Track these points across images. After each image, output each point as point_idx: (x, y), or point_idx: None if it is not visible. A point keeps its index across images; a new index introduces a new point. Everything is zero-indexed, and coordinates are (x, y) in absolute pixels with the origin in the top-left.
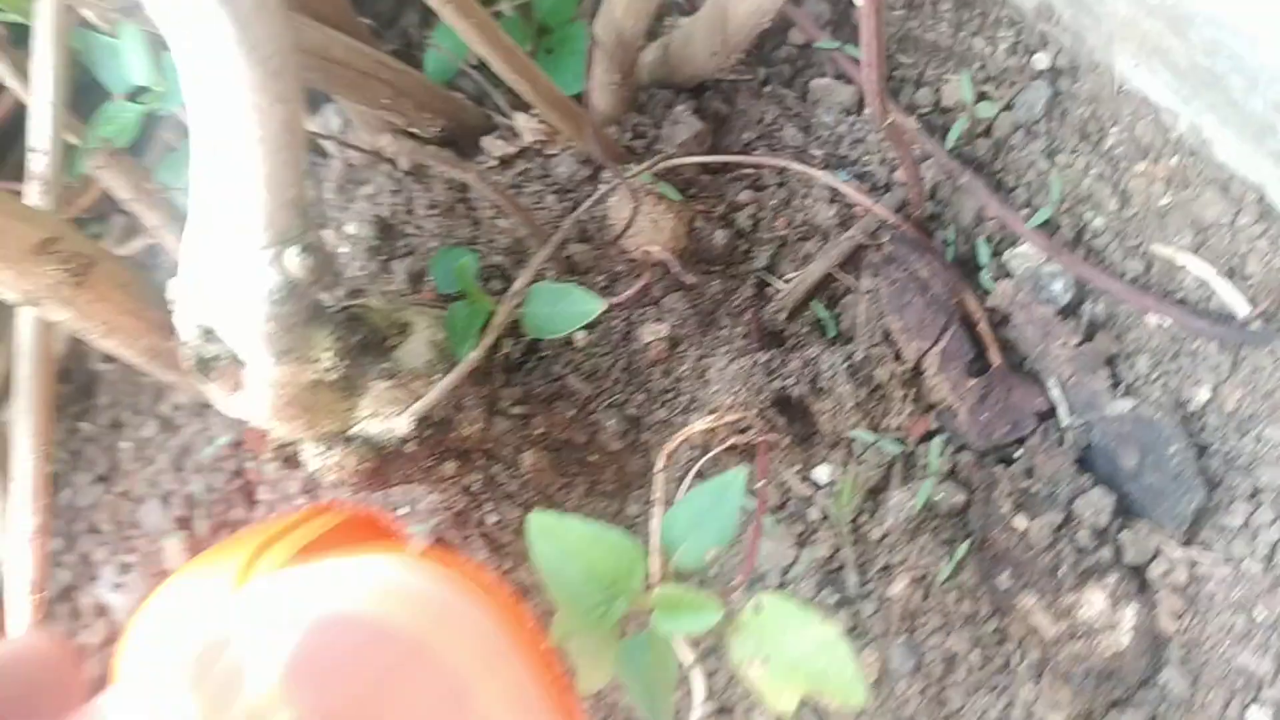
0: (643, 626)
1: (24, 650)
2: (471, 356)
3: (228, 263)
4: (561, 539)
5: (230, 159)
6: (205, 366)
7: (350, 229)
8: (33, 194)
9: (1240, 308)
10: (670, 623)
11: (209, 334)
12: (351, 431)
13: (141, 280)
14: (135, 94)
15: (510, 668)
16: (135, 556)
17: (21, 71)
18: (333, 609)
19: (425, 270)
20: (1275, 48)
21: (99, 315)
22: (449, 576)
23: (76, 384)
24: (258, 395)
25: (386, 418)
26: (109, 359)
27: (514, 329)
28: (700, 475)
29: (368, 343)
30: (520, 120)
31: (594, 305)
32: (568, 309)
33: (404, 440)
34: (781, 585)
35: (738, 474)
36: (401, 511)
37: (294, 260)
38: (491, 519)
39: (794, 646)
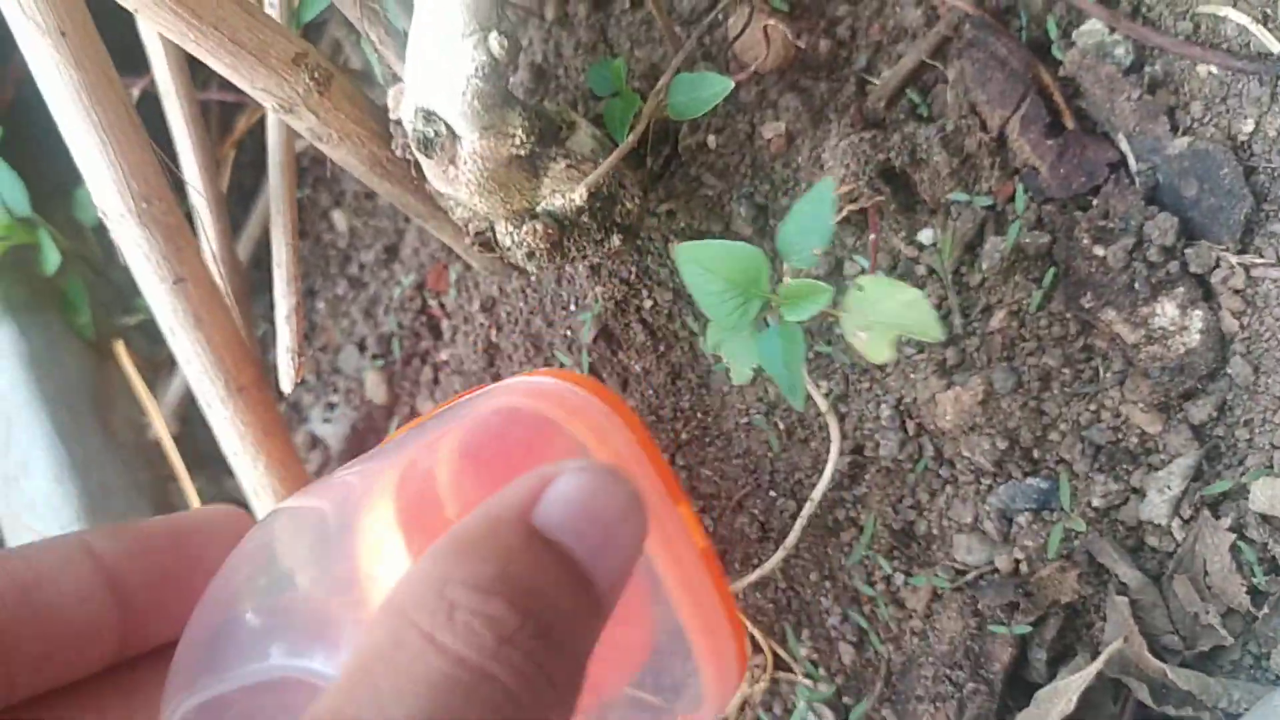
0: (778, 319)
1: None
2: (628, 139)
3: (443, 50)
4: (702, 257)
5: None
6: (428, 145)
7: (510, 78)
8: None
9: (1275, 47)
10: (794, 311)
11: (429, 116)
12: (538, 208)
13: (364, 97)
14: None
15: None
16: (338, 395)
17: None
18: (497, 404)
19: (575, 102)
20: None
21: (334, 123)
22: (587, 385)
23: (269, 265)
24: (467, 168)
25: (564, 193)
26: (299, 236)
27: (653, 146)
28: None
29: (545, 131)
30: None
31: (725, 84)
32: (704, 91)
33: (579, 211)
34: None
35: (826, 182)
36: (571, 308)
37: (494, 42)
38: (648, 304)
39: (888, 309)
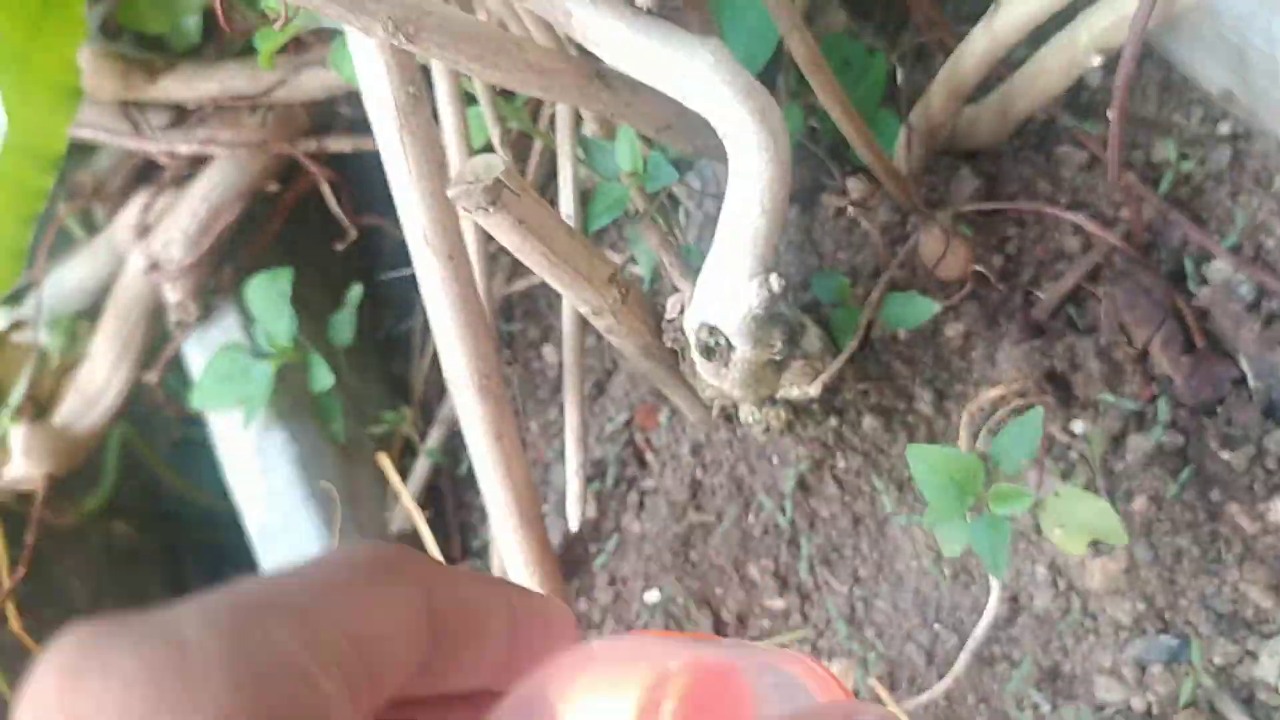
0: (981, 512)
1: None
2: (851, 344)
3: (732, 285)
4: (929, 459)
5: (748, 217)
6: (709, 351)
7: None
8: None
9: None
10: (1002, 507)
11: (713, 330)
12: (778, 395)
13: (648, 299)
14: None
15: None
16: (549, 506)
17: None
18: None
19: (789, 289)
20: None
21: (627, 322)
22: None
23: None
24: (736, 370)
25: (801, 386)
26: (510, 363)
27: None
28: (991, 430)
29: (791, 335)
30: (850, 182)
31: (932, 306)
32: (914, 309)
33: (811, 400)
34: None
35: (1038, 411)
36: (775, 461)
37: (773, 281)
38: (841, 465)
39: (1080, 514)
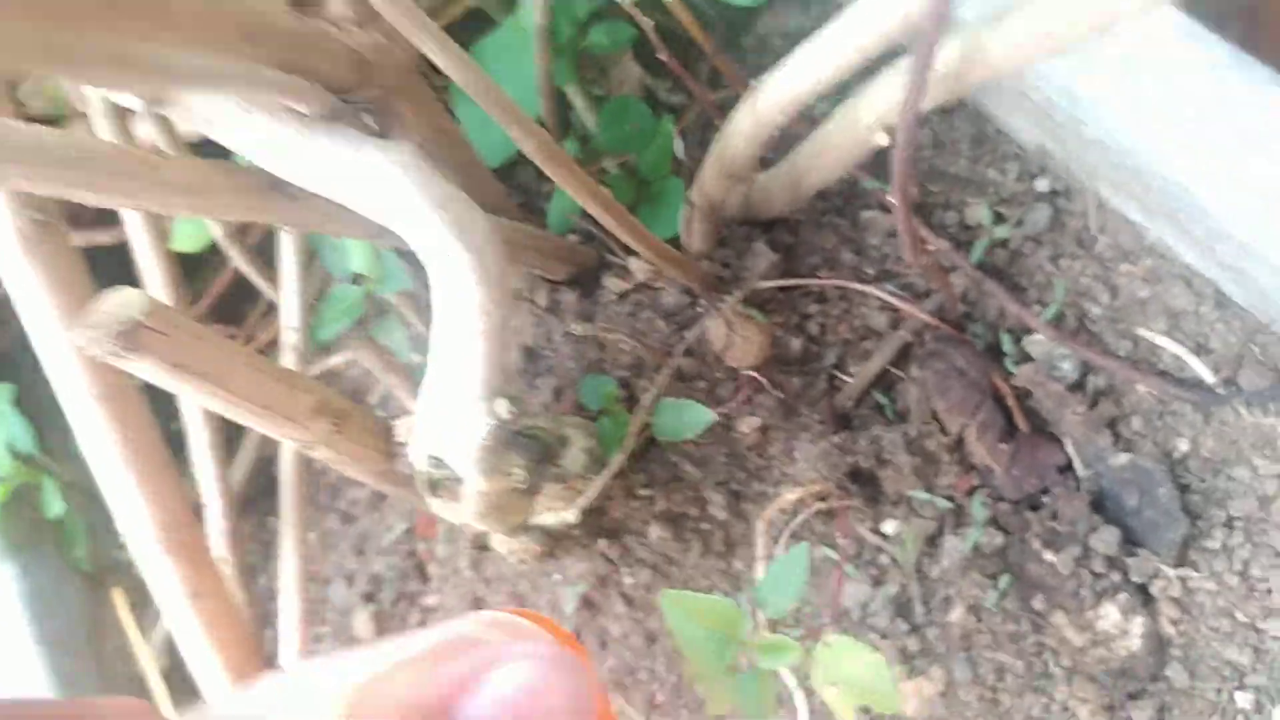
0: (751, 664)
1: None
2: (618, 459)
3: (455, 410)
4: (686, 607)
5: (461, 342)
6: (435, 486)
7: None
8: (288, 361)
9: (1207, 376)
10: (768, 661)
11: (438, 462)
12: (531, 522)
13: (374, 420)
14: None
15: None
16: (327, 628)
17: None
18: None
19: (563, 386)
20: (1214, 200)
21: (349, 452)
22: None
23: (264, 485)
24: (469, 503)
25: (557, 511)
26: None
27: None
28: (793, 535)
29: (541, 457)
30: (632, 262)
31: (707, 416)
32: (689, 419)
33: (570, 525)
34: (863, 618)
35: (803, 548)
36: (556, 578)
37: (501, 406)
38: (628, 580)
39: (852, 670)
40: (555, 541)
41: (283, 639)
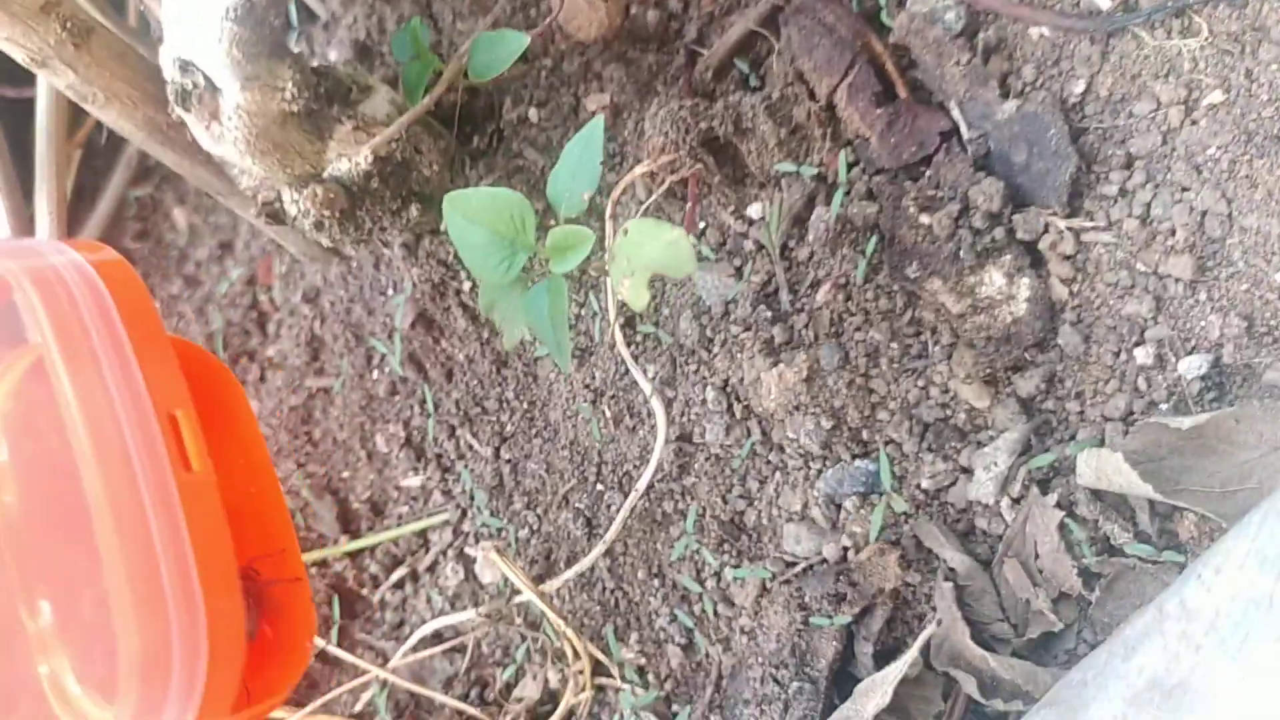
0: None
1: None
2: (423, 101)
3: None
4: (466, 207)
5: None
6: (185, 98)
7: (332, 55)
8: None
9: (1104, 3)
10: (560, 262)
11: (187, 67)
12: (324, 173)
13: (135, 54)
14: None
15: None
16: None
17: None
18: None
19: (398, 77)
20: None
21: (98, 81)
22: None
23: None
24: (233, 124)
25: (351, 157)
26: (141, 237)
27: (479, 123)
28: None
29: (333, 92)
30: None
31: (521, 40)
32: (501, 50)
33: (368, 176)
34: (726, 313)
35: (596, 122)
36: (390, 293)
37: None
38: (466, 286)
39: (650, 251)
40: (354, 199)
41: None
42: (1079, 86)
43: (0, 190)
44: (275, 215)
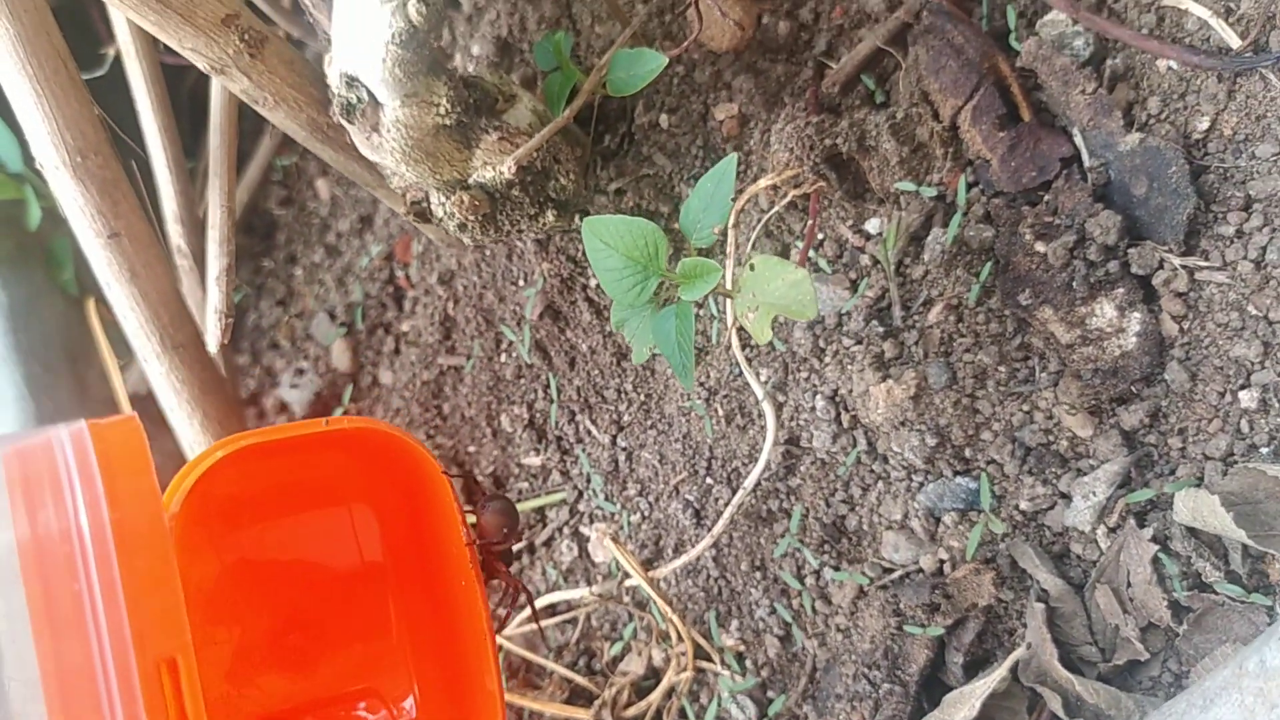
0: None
1: None
2: (564, 114)
3: (363, 17)
4: (603, 232)
5: None
6: (350, 110)
7: (475, 50)
8: None
9: (1234, 41)
10: (689, 290)
11: (352, 82)
12: (470, 180)
13: (301, 61)
14: None
15: None
16: (308, 362)
17: None
18: None
19: (537, 76)
20: None
21: (269, 86)
22: None
23: (258, 230)
24: (391, 136)
25: (496, 166)
26: (286, 203)
27: (611, 124)
28: (767, 232)
29: (480, 103)
30: None
31: (659, 60)
32: (640, 67)
33: (510, 184)
34: (839, 325)
35: (729, 160)
36: (521, 284)
37: (413, 9)
38: (593, 282)
39: (774, 289)
40: (495, 204)
41: (209, 295)
42: (1203, 124)
43: (170, 169)
44: (422, 214)
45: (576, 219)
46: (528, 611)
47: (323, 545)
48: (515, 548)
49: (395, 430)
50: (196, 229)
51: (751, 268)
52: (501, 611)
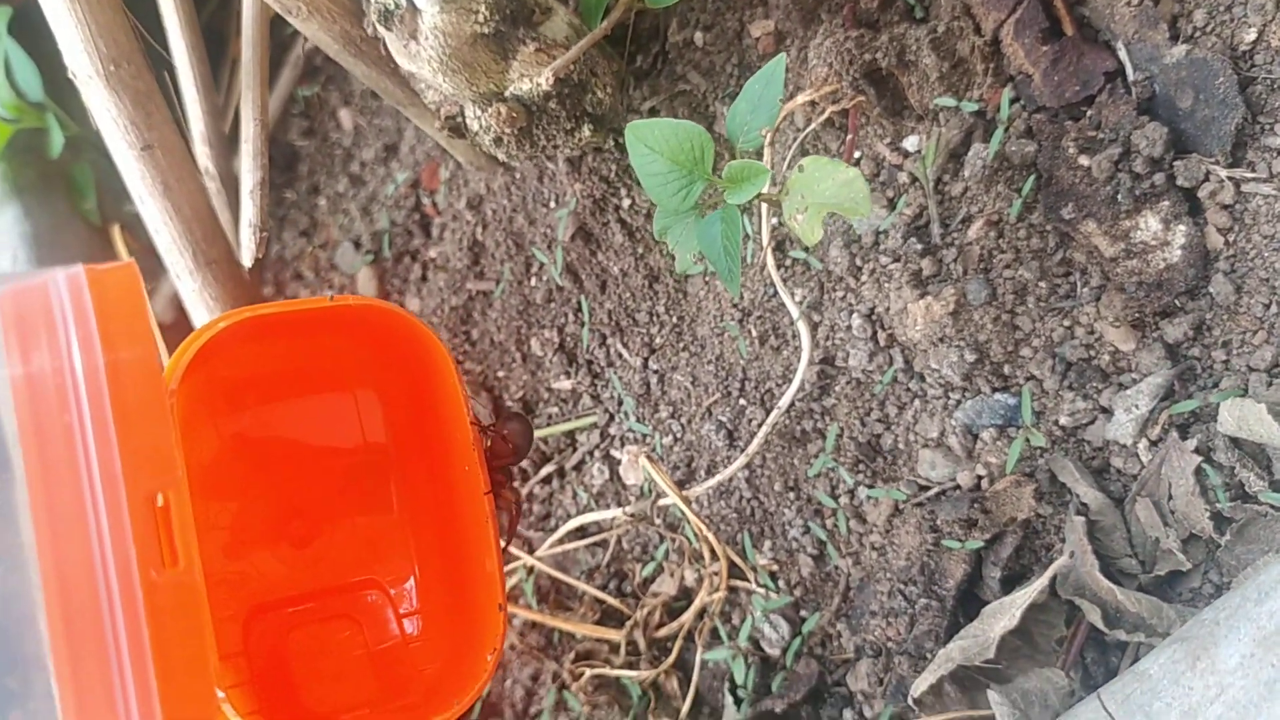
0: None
1: None
2: (602, 25)
3: None
4: (648, 136)
5: None
6: (387, 16)
7: None
8: None
9: None
10: (736, 193)
11: None
12: (506, 92)
13: None
14: None
15: None
16: (333, 291)
17: None
18: None
19: None
20: None
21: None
22: None
23: (279, 162)
24: (428, 44)
25: (532, 77)
26: (308, 134)
27: (644, 43)
28: (803, 149)
29: (518, 14)
30: None
31: None
32: None
33: (547, 96)
34: (875, 243)
35: (778, 60)
36: (552, 205)
37: None
38: (626, 203)
39: (825, 189)
40: (532, 117)
41: (243, 209)
42: (1250, 35)
43: (198, 88)
44: (457, 129)
45: (610, 138)
46: (560, 533)
47: (325, 428)
48: (545, 471)
49: (399, 310)
50: (224, 151)
51: (801, 169)
52: (504, 519)
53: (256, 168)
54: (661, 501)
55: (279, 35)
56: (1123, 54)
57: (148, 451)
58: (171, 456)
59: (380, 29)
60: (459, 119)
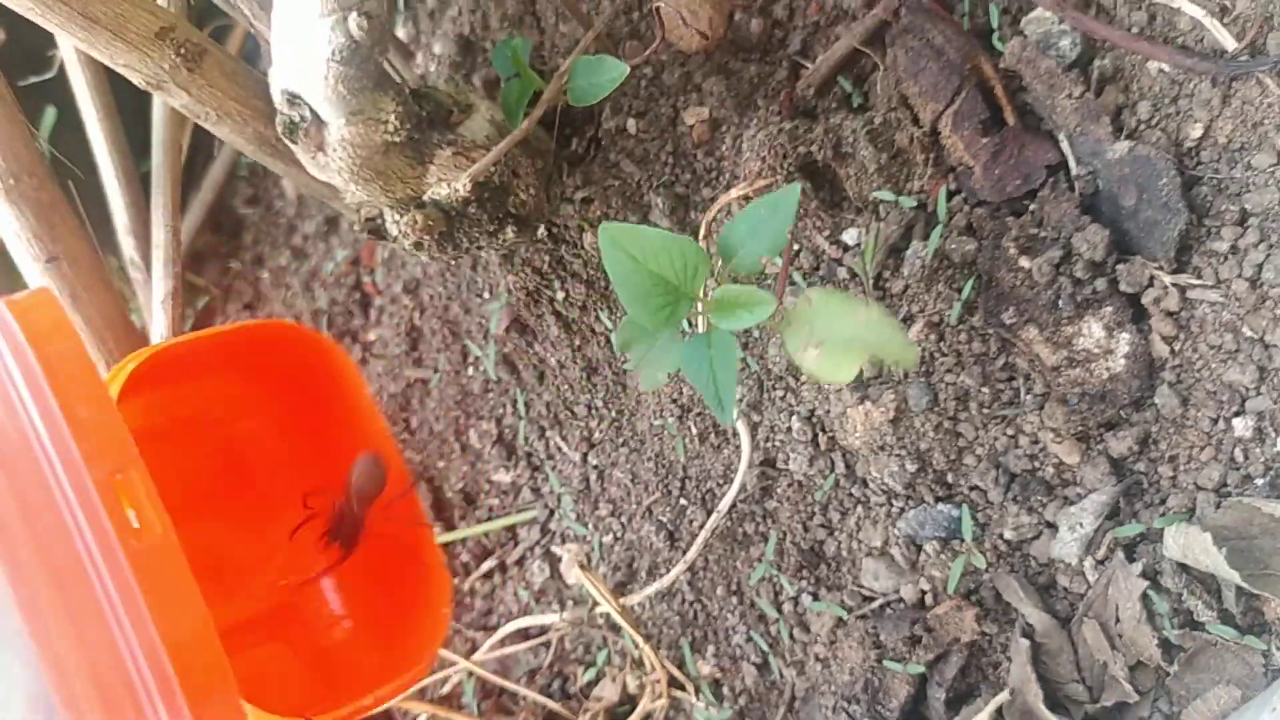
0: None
1: None
2: (523, 125)
3: (303, 31)
4: (631, 244)
5: None
6: (292, 129)
7: (436, 49)
8: None
9: (1229, 44)
10: (729, 320)
11: (294, 99)
12: (424, 197)
13: (246, 73)
14: None
15: None
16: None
17: None
18: None
19: (499, 79)
20: None
21: (210, 101)
22: None
23: (225, 228)
24: (337, 155)
25: (450, 183)
26: (252, 202)
27: (578, 127)
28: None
29: (434, 116)
30: None
31: (621, 69)
32: (602, 76)
33: (466, 201)
34: None
35: (793, 188)
36: (486, 296)
37: (354, 23)
38: (560, 295)
39: (847, 327)
40: (452, 222)
41: (154, 319)
42: (1196, 131)
43: (119, 179)
44: (377, 231)
45: (539, 231)
46: (500, 635)
47: (238, 462)
48: (485, 566)
49: (298, 326)
50: (149, 241)
51: (808, 302)
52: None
53: (168, 276)
54: (600, 608)
55: None
56: (1065, 146)
57: (102, 438)
58: (126, 439)
59: (286, 141)
60: (379, 221)
